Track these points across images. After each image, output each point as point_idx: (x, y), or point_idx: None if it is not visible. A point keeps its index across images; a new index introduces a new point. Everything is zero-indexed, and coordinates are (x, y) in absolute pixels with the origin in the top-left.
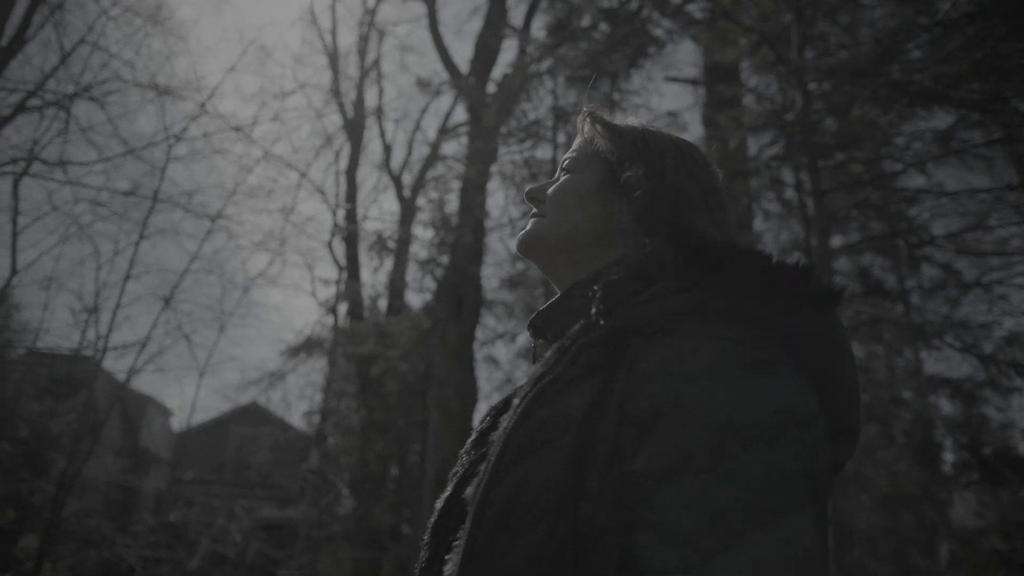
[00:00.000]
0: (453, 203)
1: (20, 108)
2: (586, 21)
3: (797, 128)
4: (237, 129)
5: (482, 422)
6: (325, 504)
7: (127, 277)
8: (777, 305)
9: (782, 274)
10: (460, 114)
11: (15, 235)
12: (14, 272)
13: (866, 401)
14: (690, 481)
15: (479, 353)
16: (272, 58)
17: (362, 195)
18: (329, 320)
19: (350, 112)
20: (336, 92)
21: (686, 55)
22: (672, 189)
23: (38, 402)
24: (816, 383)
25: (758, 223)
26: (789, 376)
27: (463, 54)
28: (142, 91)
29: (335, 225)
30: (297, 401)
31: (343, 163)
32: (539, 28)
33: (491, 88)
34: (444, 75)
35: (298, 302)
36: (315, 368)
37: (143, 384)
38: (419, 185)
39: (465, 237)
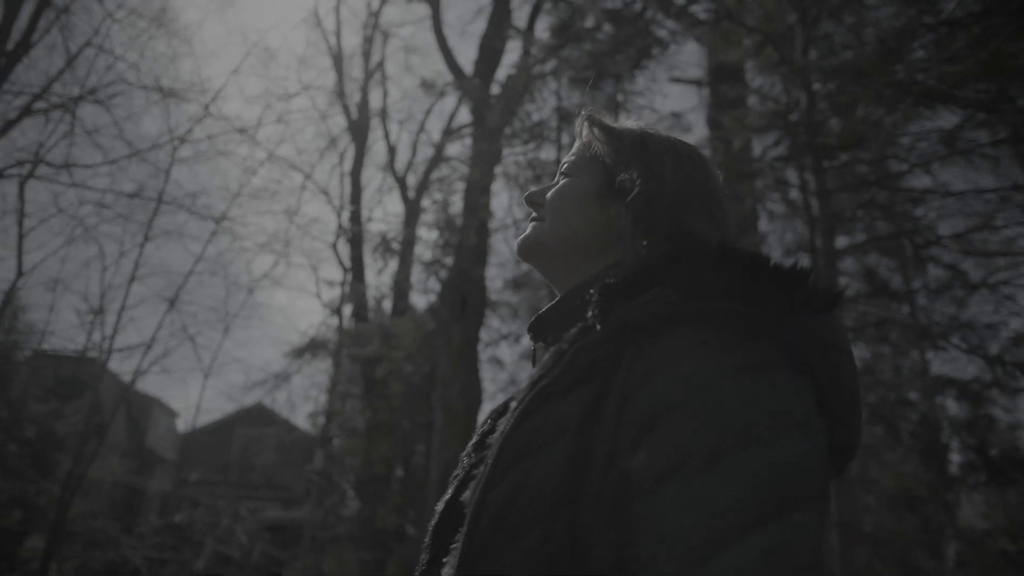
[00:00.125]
0: (457, 204)
1: (26, 111)
2: (590, 22)
3: (801, 128)
4: (241, 131)
5: (483, 425)
6: (330, 505)
7: (132, 279)
8: (776, 307)
9: (780, 276)
10: (464, 115)
11: (21, 237)
12: (20, 274)
13: (872, 402)
14: (688, 482)
15: (483, 354)
16: (276, 60)
17: (366, 196)
18: (334, 321)
19: (354, 114)
20: (340, 94)
21: (690, 56)
22: (670, 192)
23: (44, 403)
24: (816, 385)
25: (763, 224)
26: (787, 378)
27: (467, 55)
28: (147, 93)
29: (339, 226)
30: (302, 402)
31: (347, 165)
32: (543, 29)
33: (495, 89)
34: (448, 76)
35: (303, 303)
36: (320, 369)
37: (148, 386)
38: (423, 186)
39: (469, 238)
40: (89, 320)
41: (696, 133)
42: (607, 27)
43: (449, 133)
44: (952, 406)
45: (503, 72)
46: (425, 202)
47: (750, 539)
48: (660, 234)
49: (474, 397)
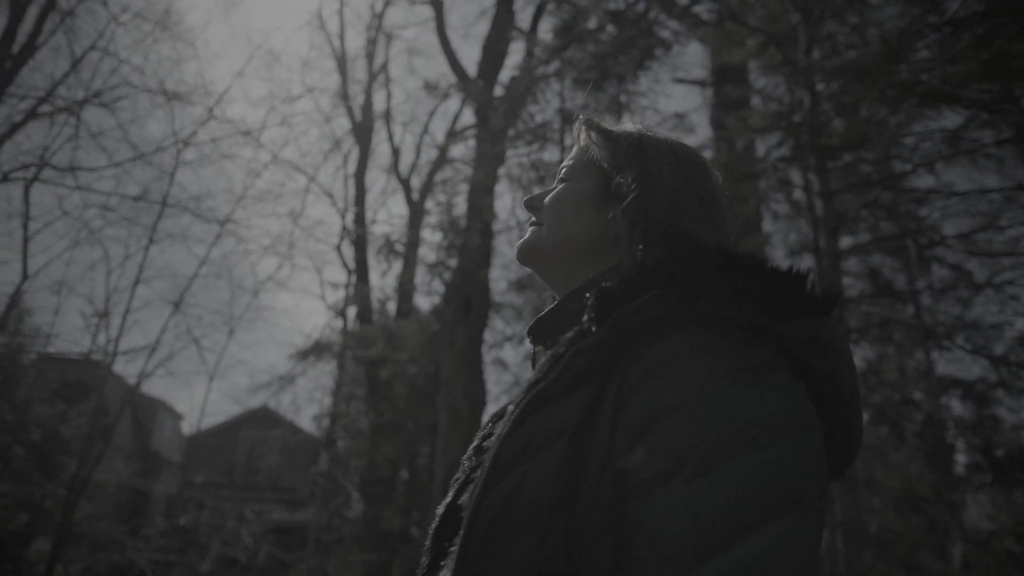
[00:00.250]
0: (461, 206)
1: (31, 114)
2: (593, 23)
3: (805, 129)
4: (246, 133)
5: (483, 428)
6: (335, 507)
7: (137, 281)
8: (773, 310)
9: (777, 279)
10: (468, 117)
11: (26, 240)
12: (25, 277)
13: (877, 402)
14: (683, 487)
15: (488, 356)
16: (280, 62)
17: (371, 198)
18: (338, 323)
19: (358, 116)
20: (344, 96)
21: (693, 57)
22: (667, 195)
23: (49, 406)
24: (814, 388)
25: (767, 224)
26: (784, 381)
27: (470, 57)
28: (151, 96)
29: (344, 229)
30: (307, 404)
31: (351, 167)
32: (546, 31)
33: (498, 91)
34: (452, 78)
35: (307, 306)
36: (324, 371)
37: (154, 388)
38: (427, 188)
39: (473, 240)
40: (94, 323)
41: (700, 134)
42: (610, 28)
43: (453, 135)
44: (957, 406)
45: (506, 74)
46: (429, 204)
47: (743, 543)
48: (657, 237)
49: (478, 399)
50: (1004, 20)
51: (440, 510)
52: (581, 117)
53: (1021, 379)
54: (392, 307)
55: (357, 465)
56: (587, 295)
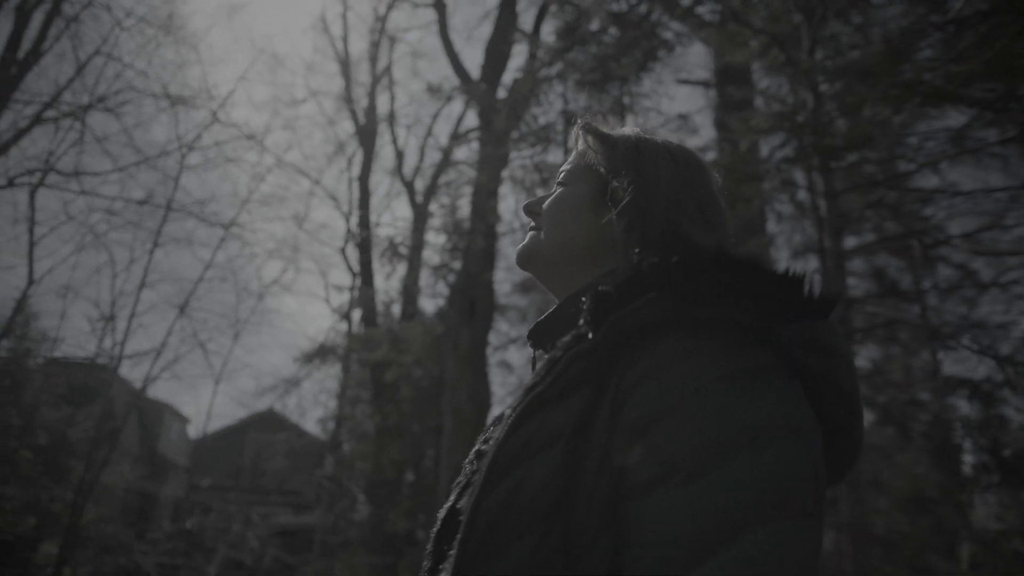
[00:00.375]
0: (465, 208)
1: (36, 120)
2: (595, 25)
3: (809, 129)
4: (250, 137)
5: (485, 431)
6: (340, 510)
7: (142, 285)
8: (770, 313)
9: (775, 281)
10: (471, 119)
11: (32, 245)
12: (31, 281)
13: (883, 403)
14: (679, 489)
15: (492, 358)
16: (284, 66)
17: (375, 201)
18: (343, 326)
19: (362, 119)
20: (348, 99)
21: (696, 58)
22: (664, 198)
23: (56, 410)
24: (813, 391)
25: (771, 225)
26: (782, 384)
27: (474, 59)
28: (155, 101)
29: (348, 231)
30: (312, 407)
31: (356, 170)
32: (548, 33)
33: (502, 93)
34: (455, 81)
35: (312, 309)
36: (330, 374)
37: (160, 392)
38: (431, 191)
39: (477, 242)
40: (100, 327)
41: (703, 135)
42: (613, 30)
43: (456, 137)
44: (964, 406)
45: (509, 76)
46: (433, 206)
47: (740, 545)
48: (654, 240)
49: (483, 401)
50: (1007, 19)
51: (441, 514)
52: (579, 121)
53: None
54: (396, 310)
55: (363, 468)
56: (583, 299)
